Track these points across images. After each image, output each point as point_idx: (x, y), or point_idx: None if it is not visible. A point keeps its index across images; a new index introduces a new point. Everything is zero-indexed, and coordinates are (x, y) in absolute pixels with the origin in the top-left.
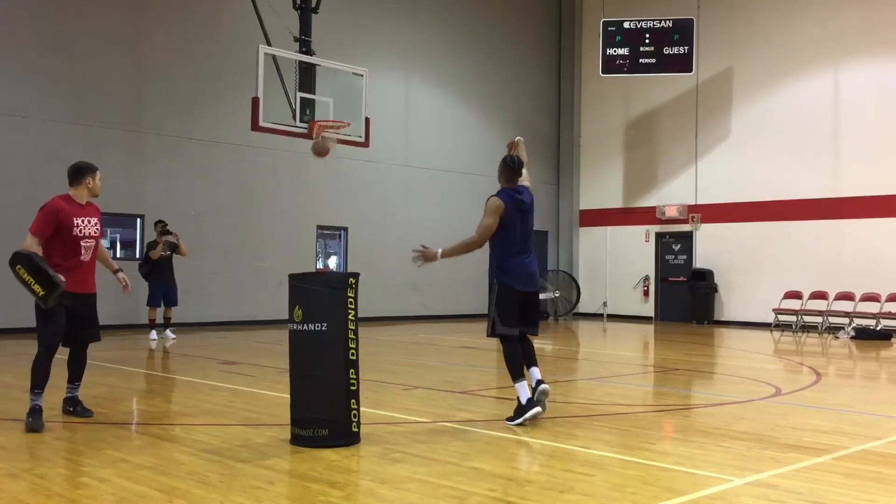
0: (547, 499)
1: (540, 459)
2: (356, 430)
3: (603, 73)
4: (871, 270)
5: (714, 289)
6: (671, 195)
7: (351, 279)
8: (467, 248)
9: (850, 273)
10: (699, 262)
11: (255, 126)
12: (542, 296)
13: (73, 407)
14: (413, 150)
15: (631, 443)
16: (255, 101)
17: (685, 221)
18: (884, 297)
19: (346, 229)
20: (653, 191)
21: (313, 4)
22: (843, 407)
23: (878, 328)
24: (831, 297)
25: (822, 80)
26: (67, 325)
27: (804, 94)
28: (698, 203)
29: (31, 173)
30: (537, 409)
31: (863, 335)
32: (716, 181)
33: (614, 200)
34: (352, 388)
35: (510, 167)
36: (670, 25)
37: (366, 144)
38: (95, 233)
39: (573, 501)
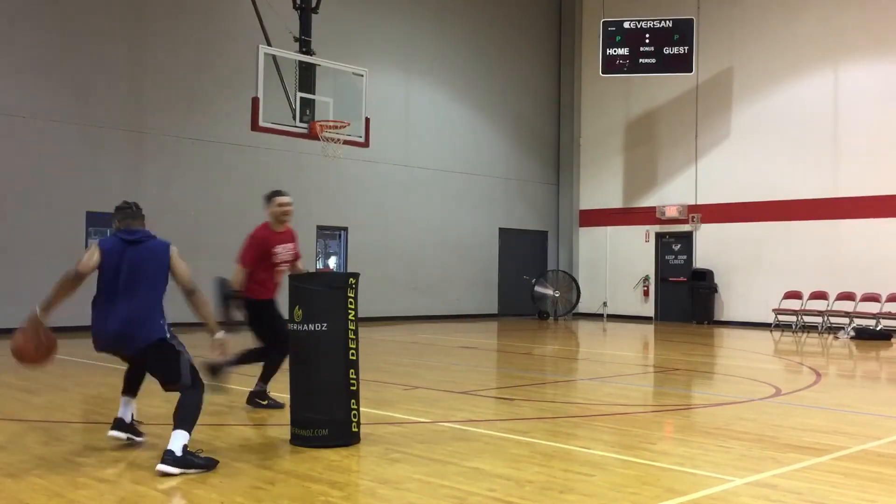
0: (547, 499)
1: (540, 459)
2: (356, 430)
3: (603, 73)
4: (871, 270)
5: (714, 289)
6: (671, 195)
7: (351, 279)
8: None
9: (850, 273)
10: (699, 262)
11: (255, 126)
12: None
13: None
14: (413, 150)
15: (631, 443)
16: (255, 101)
17: (685, 221)
18: (884, 297)
19: (346, 229)
20: (653, 191)
21: (313, 4)
22: (843, 407)
23: (878, 328)
24: (831, 297)
25: (822, 80)
26: None
27: (804, 93)
28: (698, 203)
29: (32, 173)
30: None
31: (863, 335)
32: (716, 181)
33: (614, 200)
34: (352, 388)
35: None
36: (670, 25)
37: (366, 144)
38: None
39: (573, 501)
